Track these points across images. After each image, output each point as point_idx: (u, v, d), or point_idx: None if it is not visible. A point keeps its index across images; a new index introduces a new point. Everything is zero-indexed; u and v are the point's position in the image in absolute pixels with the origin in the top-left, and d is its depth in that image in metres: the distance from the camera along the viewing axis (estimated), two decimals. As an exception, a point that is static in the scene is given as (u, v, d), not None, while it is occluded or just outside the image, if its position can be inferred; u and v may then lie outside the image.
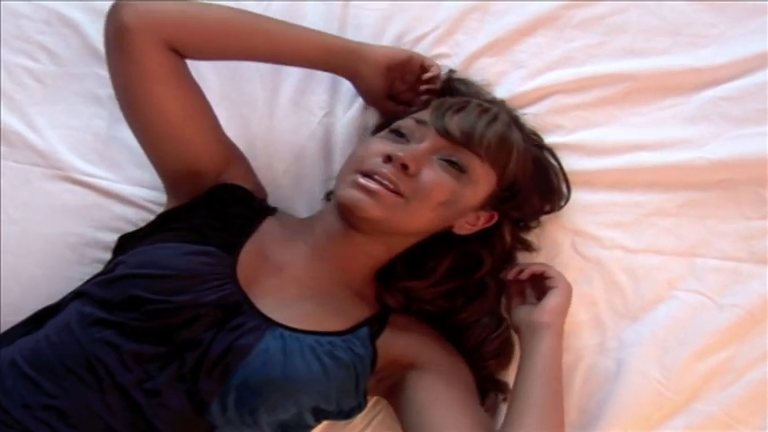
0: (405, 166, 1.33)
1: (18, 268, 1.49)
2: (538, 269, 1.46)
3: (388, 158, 1.33)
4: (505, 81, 1.57)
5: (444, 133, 1.36)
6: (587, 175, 1.53)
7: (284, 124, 1.58)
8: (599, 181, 1.54)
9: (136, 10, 1.34)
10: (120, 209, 1.54)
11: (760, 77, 1.52)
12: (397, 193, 1.32)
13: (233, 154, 1.50)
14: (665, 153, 1.53)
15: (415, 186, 1.33)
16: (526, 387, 1.35)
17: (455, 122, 1.37)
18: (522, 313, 1.45)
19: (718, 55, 1.55)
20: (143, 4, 1.35)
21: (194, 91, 1.44)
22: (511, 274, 1.48)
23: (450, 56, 1.57)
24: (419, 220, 1.36)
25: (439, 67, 1.52)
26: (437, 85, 1.50)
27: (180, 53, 1.39)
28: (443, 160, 1.36)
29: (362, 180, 1.32)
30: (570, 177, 1.52)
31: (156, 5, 1.36)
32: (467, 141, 1.36)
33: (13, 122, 1.52)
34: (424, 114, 1.40)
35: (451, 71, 1.55)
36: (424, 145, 1.36)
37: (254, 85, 1.57)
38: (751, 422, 1.45)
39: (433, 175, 1.34)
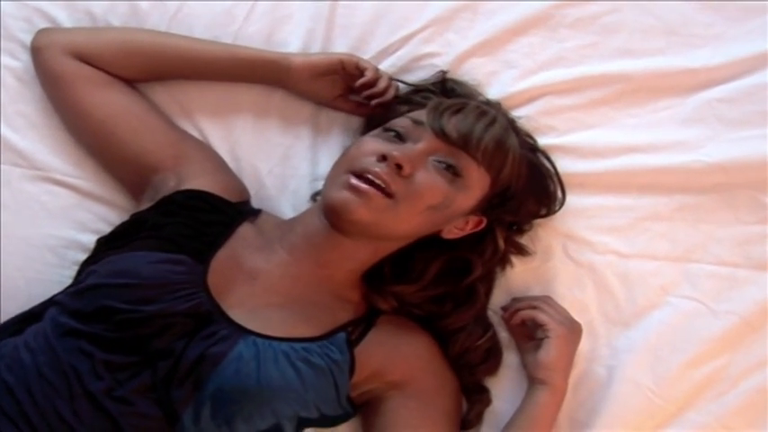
0: (399, 167, 1.30)
1: (-3, 270, 1.47)
2: (527, 315, 1.43)
3: (383, 158, 1.30)
4: (496, 81, 1.54)
5: (441, 134, 1.33)
6: (580, 178, 1.51)
7: (270, 124, 1.55)
8: (592, 184, 1.51)
9: (46, 33, 1.50)
10: (101, 210, 1.51)
11: (757, 79, 1.51)
12: (388, 194, 1.29)
13: (187, 152, 1.47)
14: (659, 156, 1.51)
15: (407, 188, 1.30)
16: None
17: (452, 124, 1.34)
18: (527, 357, 1.44)
19: (714, 56, 1.53)
20: (52, 28, 1.52)
21: (120, 94, 1.47)
22: (505, 316, 1.47)
23: (440, 55, 1.55)
24: (407, 223, 1.34)
25: (374, 70, 1.47)
26: (378, 89, 1.46)
27: (97, 68, 1.47)
28: (439, 162, 1.33)
29: (354, 181, 1.29)
30: (562, 180, 1.49)
31: (64, 28, 1.52)
32: (464, 144, 1.33)
33: (-9, 122, 1.50)
34: (421, 114, 1.37)
35: (443, 72, 1.52)
36: (420, 146, 1.33)
37: (239, 85, 1.54)
38: (746, 432, 1.43)
39: (427, 178, 1.32)
